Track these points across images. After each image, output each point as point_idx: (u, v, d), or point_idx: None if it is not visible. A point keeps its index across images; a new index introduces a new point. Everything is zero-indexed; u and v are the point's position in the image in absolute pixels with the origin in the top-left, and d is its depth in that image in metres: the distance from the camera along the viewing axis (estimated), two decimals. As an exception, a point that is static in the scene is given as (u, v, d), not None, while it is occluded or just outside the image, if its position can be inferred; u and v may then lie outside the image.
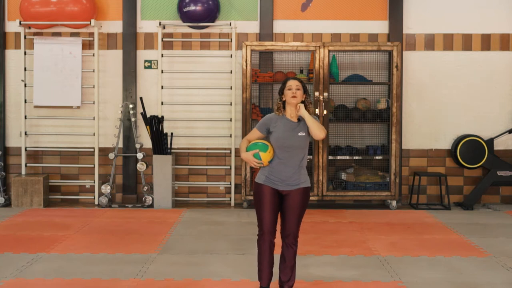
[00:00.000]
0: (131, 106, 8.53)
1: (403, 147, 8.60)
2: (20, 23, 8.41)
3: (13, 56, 8.72)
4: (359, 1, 8.69)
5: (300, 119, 4.49)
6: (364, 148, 8.48)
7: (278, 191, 4.46)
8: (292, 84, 4.48)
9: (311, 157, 8.13)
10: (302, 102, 4.50)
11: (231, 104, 8.54)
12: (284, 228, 4.50)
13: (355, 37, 8.66)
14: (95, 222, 7.41)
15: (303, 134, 4.44)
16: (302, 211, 4.50)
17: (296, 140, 4.43)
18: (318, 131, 4.37)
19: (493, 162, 8.51)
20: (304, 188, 4.48)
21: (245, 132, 8.11)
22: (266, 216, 4.43)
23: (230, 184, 8.64)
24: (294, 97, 4.45)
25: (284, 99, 4.51)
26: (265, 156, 4.42)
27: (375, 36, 8.67)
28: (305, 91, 4.52)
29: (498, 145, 8.70)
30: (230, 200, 8.64)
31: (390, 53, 8.27)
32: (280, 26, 8.67)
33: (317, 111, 8.07)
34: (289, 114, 4.52)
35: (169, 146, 8.33)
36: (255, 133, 4.56)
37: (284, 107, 4.54)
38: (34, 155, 8.76)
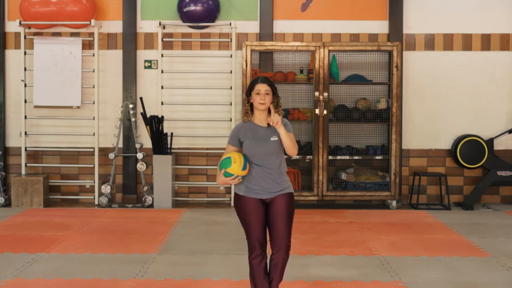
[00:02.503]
0: (131, 106, 8.53)
1: (403, 147, 8.59)
2: (20, 23, 8.41)
3: (13, 56, 8.72)
4: (359, 1, 8.69)
5: (270, 124, 4.17)
6: (364, 148, 8.48)
7: (261, 200, 4.17)
8: (261, 88, 4.14)
9: (312, 157, 8.14)
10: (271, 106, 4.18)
11: (231, 104, 8.54)
12: (272, 238, 4.17)
13: (355, 37, 8.66)
14: (95, 222, 7.41)
15: (276, 138, 4.16)
16: (289, 218, 4.17)
17: (269, 146, 4.13)
18: (291, 150, 4.13)
19: (493, 162, 8.50)
20: (287, 193, 4.18)
21: (245, 132, 8.10)
22: (254, 230, 4.15)
23: (230, 184, 8.62)
24: (262, 103, 4.14)
25: (251, 102, 4.20)
26: (234, 169, 4.09)
27: (375, 36, 8.67)
28: (275, 93, 4.21)
29: (498, 145, 8.70)
30: (230, 200, 8.64)
31: (390, 53, 8.27)
32: (280, 26, 8.67)
33: (317, 111, 8.07)
34: (258, 119, 4.22)
35: (169, 146, 8.33)
36: (229, 149, 4.28)
37: (252, 110, 4.25)
38: (34, 155, 8.76)
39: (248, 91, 4.24)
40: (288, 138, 4.11)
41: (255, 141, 4.17)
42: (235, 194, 4.27)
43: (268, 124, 4.20)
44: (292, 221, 4.23)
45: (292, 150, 4.14)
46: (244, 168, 4.11)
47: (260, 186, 4.17)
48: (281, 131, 4.09)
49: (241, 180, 4.16)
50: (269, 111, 4.22)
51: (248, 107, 4.26)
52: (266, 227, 4.23)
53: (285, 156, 4.35)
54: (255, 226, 4.17)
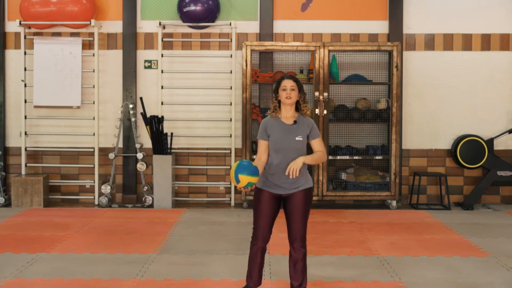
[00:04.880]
0: (131, 106, 8.53)
1: (403, 147, 8.60)
2: (20, 23, 8.41)
3: (13, 56, 8.72)
4: (359, 1, 8.69)
5: (297, 121, 4.35)
6: (364, 148, 8.48)
7: (278, 194, 4.36)
8: (287, 84, 4.33)
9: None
10: (297, 102, 4.37)
11: (231, 104, 8.54)
12: (290, 232, 4.38)
13: (355, 37, 8.66)
14: (95, 222, 7.41)
15: (301, 138, 4.31)
16: (305, 212, 4.36)
17: (293, 144, 4.29)
18: (321, 162, 4.38)
19: (493, 162, 8.50)
20: (304, 190, 4.35)
21: (245, 132, 8.11)
22: (262, 223, 4.36)
23: (230, 184, 8.64)
24: (288, 98, 4.32)
25: (279, 99, 4.38)
26: (243, 178, 4.16)
27: (375, 36, 8.67)
28: (300, 90, 4.37)
29: (498, 145, 8.70)
30: (230, 200, 8.64)
31: (390, 53, 8.27)
32: (280, 26, 8.67)
33: (317, 111, 8.07)
34: (284, 116, 4.39)
35: (169, 146, 8.33)
36: (262, 145, 4.37)
37: (279, 107, 4.41)
38: (34, 155, 8.76)
39: (275, 89, 4.41)
40: (314, 159, 4.34)
41: (280, 138, 4.32)
42: (255, 186, 4.40)
43: (295, 121, 4.36)
44: (307, 216, 4.41)
45: (321, 162, 4.46)
46: (250, 172, 4.18)
47: (278, 182, 4.34)
48: (306, 161, 4.27)
49: (253, 182, 4.21)
50: (297, 108, 4.42)
51: (276, 104, 4.42)
52: (273, 221, 4.42)
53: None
54: (264, 218, 4.36)
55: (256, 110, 8.30)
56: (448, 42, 8.69)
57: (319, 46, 8.13)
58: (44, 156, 8.78)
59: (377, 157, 8.36)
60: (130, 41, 8.64)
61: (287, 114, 4.39)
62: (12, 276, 5.19)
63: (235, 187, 4.37)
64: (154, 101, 8.62)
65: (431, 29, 8.68)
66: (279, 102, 4.40)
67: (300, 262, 4.39)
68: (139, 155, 8.42)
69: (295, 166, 4.20)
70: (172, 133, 8.40)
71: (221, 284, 5.05)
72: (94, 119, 8.57)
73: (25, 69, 8.56)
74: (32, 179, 8.30)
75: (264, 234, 4.37)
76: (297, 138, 4.30)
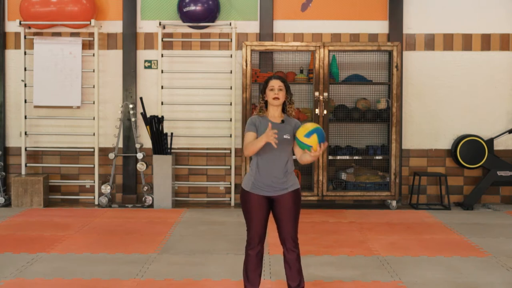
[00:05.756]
0: (131, 106, 8.53)
1: (403, 147, 8.60)
2: (20, 23, 8.41)
3: (13, 56, 8.72)
4: (359, 1, 8.69)
5: (284, 120, 4.31)
6: (364, 148, 8.48)
7: (266, 196, 4.27)
8: (275, 84, 4.27)
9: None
10: (283, 102, 4.31)
11: (231, 104, 8.54)
12: (280, 233, 4.32)
13: (355, 37, 8.66)
14: (95, 222, 7.41)
15: (288, 137, 4.25)
16: (295, 213, 4.30)
17: (281, 141, 4.20)
18: (305, 163, 4.27)
19: (493, 162, 8.50)
20: (293, 191, 4.28)
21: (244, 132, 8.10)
22: (255, 225, 4.29)
23: (230, 184, 8.64)
24: (276, 98, 4.26)
25: (266, 99, 4.33)
26: (314, 140, 4.01)
27: (375, 36, 8.67)
28: (288, 90, 4.33)
29: (498, 145, 8.70)
30: (230, 200, 8.64)
31: (390, 53, 8.27)
32: (280, 26, 8.67)
33: (317, 111, 8.07)
34: (272, 115, 4.32)
35: (169, 146, 8.33)
36: (251, 137, 4.29)
37: (266, 107, 4.36)
38: (34, 155, 8.76)
39: (263, 89, 4.37)
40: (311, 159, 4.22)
41: None
42: (242, 189, 4.35)
43: (282, 121, 4.32)
44: (298, 217, 4.34)
45: (306, 163, 4.30)
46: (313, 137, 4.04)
47: (266, 183, 4.26)
48: (309, 159, 4.19)
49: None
50: (283, 109, 4.36)
51: (263, 104, 4.38)
52: (267, 222, 4.35)
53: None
54: (256, 221, 4.30)
55: (256, 110, 8.28)
56: (448, 42, 8.69)
57: (319, 46, 8.13)
58: (44, 156, 8.78)
59: (377, 157, 8.36)
60: (130, 41, 8.64)
61: (274, 114, 4.33)
62: (12, 276, 5.20)
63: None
64: (154, 101, 8.62)
65: (431, 29, 8.68)
66: (266, 102, 4.35)
67: (295, 263, 4.34)
68: (139, 155, 8.42)
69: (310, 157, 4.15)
70: (172, 133, 8.40)
71: (221, 284, 5.05)
72: (94, 119, 8.57)
73: (25, 69, 8.56)
74: (32, 179, 8.30)
75: (258, 236, 4.31)
76: (285, 136, 4.24)
